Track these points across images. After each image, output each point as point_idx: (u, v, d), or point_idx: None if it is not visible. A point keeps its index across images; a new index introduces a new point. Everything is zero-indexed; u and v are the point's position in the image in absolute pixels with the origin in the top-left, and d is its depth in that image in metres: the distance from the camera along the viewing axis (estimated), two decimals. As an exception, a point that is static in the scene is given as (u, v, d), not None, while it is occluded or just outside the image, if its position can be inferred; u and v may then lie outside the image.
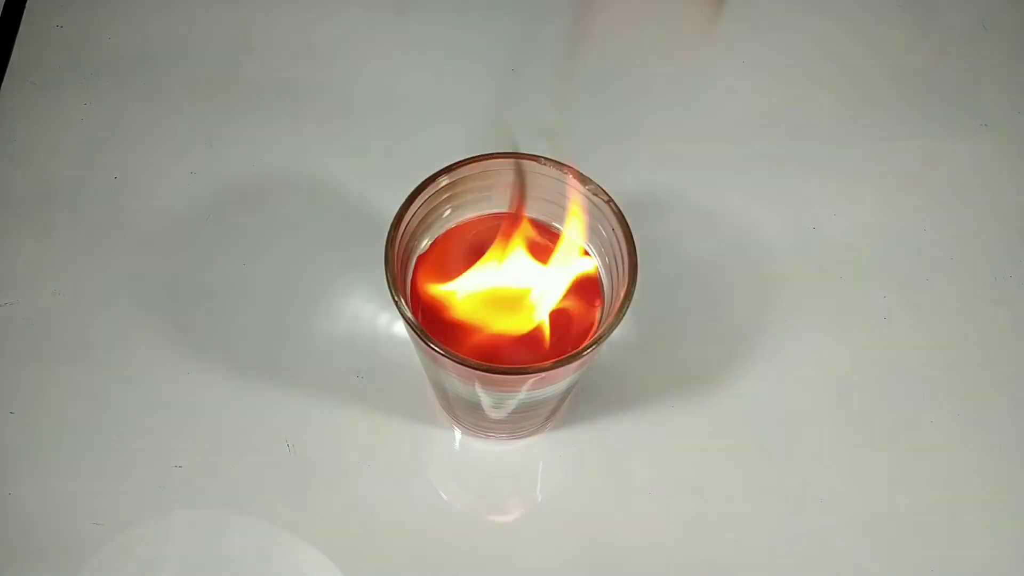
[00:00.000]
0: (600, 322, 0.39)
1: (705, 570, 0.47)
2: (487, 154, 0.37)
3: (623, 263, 0.36)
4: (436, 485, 0.48)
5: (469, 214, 0.41)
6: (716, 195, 0.56)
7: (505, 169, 0.38)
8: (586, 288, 0.40)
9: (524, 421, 0.45)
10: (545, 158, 0.37)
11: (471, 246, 0.40)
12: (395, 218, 0.36)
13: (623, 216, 0.36)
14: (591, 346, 0.34)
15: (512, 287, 0.39)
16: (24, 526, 0.47)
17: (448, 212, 0.39)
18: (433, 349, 0.33)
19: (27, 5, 0.61)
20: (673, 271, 0.54)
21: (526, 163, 0.37)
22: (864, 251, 0.55)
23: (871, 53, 0.63)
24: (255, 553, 0.46)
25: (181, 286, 0.52)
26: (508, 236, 0.39)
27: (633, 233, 0.36)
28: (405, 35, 0.61)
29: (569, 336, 0.39)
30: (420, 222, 0.38)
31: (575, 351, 0.34)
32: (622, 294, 0.35)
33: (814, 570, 0.47)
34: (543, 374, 0.34)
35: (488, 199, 0.40)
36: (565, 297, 0.39)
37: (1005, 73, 0.62)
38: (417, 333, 0.34)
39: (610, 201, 0.36)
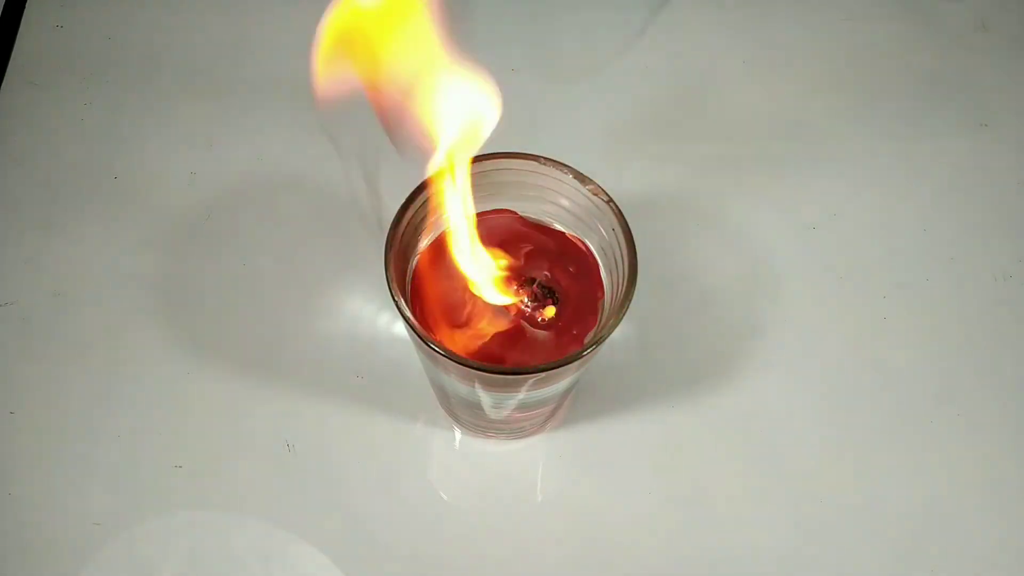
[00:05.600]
0: (600, 322, 0.39)
1: (705, 570, 0.47)
2: (486, 154, 0.37)
3: (623, 263, 0.36)
4: (436, 485, 0.48)
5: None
6: (716, 195, 0.56)
7: (507, 168, 0.38)
8: (587, 287, 0.40)
9: (524, 421, 0.45)
10: (545, 158, 0.37)
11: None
12: (395, 218, 0.36)
13: (623, 216, 0.36)
14: (591, 346, 0.34)
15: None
16: (24, 526, 0.47)
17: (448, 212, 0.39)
18: (433, 349, 0.33)
19: (27, 5, 0.61)
20: (673, 271, 0.54)
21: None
22: (864, 251, 0.55)
23: (871, 53, 0.63)
24: (255, 553, 0.46)
25: (181, 286, 0.52)
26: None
27: (633, 233, 0.36)
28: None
29: (569, 336, 0.39)
30: (420, 222, 0.38)
31: (575, 351, 0.34)
32: (622, 294, 0.35)
33: (815, 570, 0.47)
34: (543, 374, 0.34)
35: (488, 198, 0.40)
36: (568, 298, 0.39)
37: (1005, 73, 0.62)
38: (417, 333, 0.34)
39: (610, 201, 0.36)
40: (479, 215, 0.40)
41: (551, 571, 0.47)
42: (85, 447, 0.48)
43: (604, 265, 0.40)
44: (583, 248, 0.40)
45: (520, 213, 0.41)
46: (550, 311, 0.39)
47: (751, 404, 0.50)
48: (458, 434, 0.50)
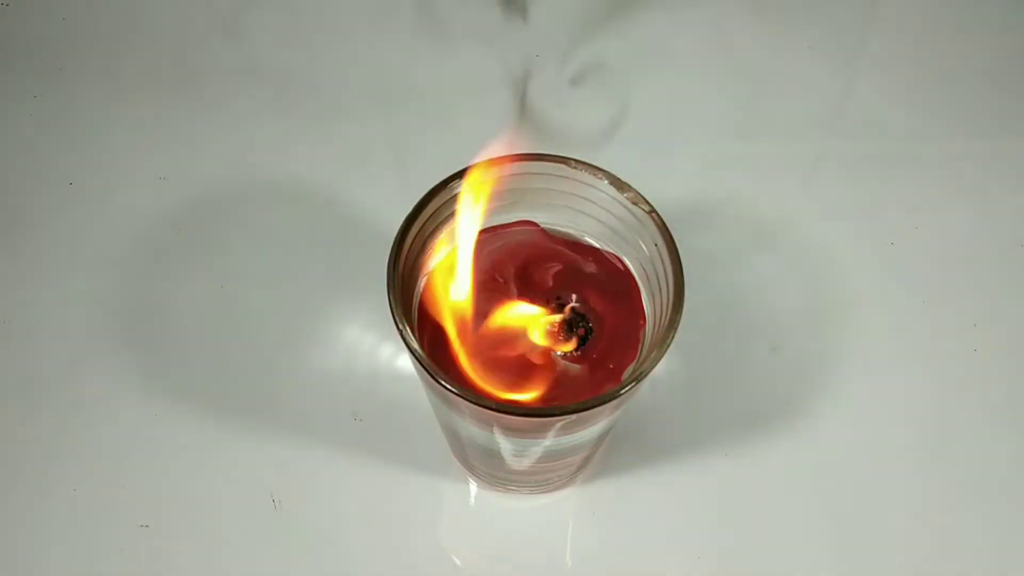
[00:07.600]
0: (641, 355, 0.39)
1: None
2: (506, 156, 0.37)
3: (667, 285, 0.36)
4: (448, 548, 0.48)
5: (487, 226, 0.41)
6: (777, 204, 0.56)
7: (530, 172, 0.38)
8: (625, 314, 0.40)
9: (551, 472, 0.45)
10: (575, 160, 0.37)
11: (489, 265, 0.40)
12: (400, 231, 0.36)
13: (667, 229, 0.36)
14: (630, 383, 0.34)
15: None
16: (-37, 595, 0.47)
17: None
18: (444, 387, 0.33)
19: (-32, -18, 0.62)
20: (726, 294, 0.54)
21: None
22: (951, 270, 0.55)
23: (960, 39, 0.63)
24: (233, 627, 0.47)
25: (147, 312, 0.53)
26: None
27: (679, 249, 0.36)
28: (410, 17, 0.62)
29: (605, 371, 0.39)
30: (429, 236, 0.38)
31: (611, 389, 0.34)
32: (666, 322, 0.35)
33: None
34: (574, 416, 0.34)
35: (508, 208, 0.40)
36: (603, 326, 0.39)
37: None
38: (425, 368, 0.34)
39: (652, 212, 0.36)
40: (497, 228, 0.41)
41: (583, 650, 0.47)
42: (33, 502, 0.48)
43: (645, 287, 0.40)
44: (620, 267, 0.40)
45: (545, 225, 0.41)
46: (580, 342, 0.39)
47: (820, 453, 0.50)
48: (473, 487, 0.50)
